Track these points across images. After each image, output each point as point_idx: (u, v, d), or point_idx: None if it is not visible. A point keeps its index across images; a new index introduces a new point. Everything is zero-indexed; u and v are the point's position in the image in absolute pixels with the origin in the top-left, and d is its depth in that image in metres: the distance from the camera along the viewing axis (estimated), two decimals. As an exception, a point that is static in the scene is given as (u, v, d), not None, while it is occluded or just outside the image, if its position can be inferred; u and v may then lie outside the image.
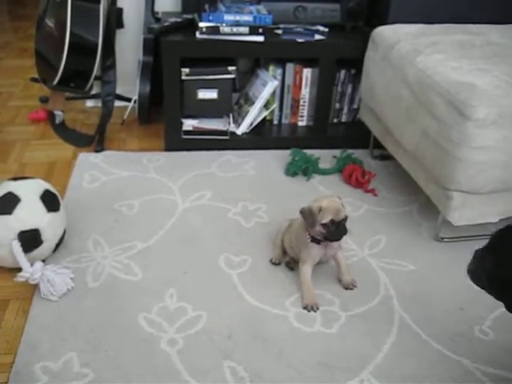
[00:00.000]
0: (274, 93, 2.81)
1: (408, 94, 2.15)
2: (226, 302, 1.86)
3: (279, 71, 2.81)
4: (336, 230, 1.80)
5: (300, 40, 2.64)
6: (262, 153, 2.77)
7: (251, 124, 2.81)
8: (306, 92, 2.85)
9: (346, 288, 1.93)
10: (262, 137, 2.84)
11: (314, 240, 1.87)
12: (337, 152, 2.71)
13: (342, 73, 2.85)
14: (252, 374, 1.61)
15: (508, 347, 1.75)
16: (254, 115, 2.78)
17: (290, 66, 2.81)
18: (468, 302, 1.91)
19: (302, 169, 2.56)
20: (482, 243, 2.19)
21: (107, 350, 1.66)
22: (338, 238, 1.84)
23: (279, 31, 2.71)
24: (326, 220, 1.78)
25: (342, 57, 2.71)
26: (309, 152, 2.66)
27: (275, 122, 2.94)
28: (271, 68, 2.81)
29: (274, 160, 2.71)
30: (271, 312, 1.82)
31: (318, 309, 1.83)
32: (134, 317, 1.79)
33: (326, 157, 2.70)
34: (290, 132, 2.89)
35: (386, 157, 2.64)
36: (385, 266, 2.05)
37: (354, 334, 1.76)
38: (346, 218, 1.81)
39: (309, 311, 1.82)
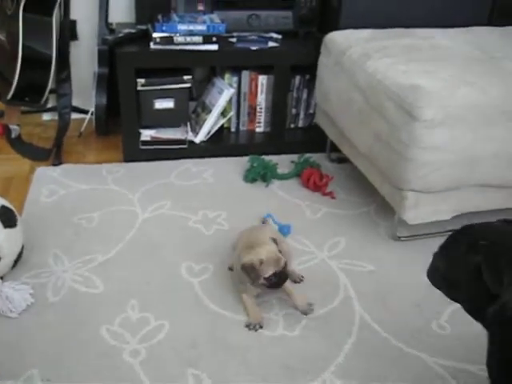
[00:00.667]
0: (230, 100, 2.83)
1: (360, 98, 2.20)
2: (188, 310, 1.87)
3: (235, 79, 2.84)
4: (278, 280, 1.79)
5: (254, 48, 2.67)
6: (220, 160, 2.79)
7: (209, 132, 2.83)
8: (262, 99, 2.88)
9: (306, 314, 1.86)
10: (220, 144, 2.86)
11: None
12: (295, 157, 2.74)
13: (297, 79, 2.89)
14: (216, 381, 1.62)
15: (465, 340, 1.80)
16: (211, 123, 2.80)
17: (245, 74, 2.84)
18: (425, 298, 1.96)
19: (260, 175, 2.59)
20: (437, 240, 2.26)
21: (69, 365, 1.65)
22: (280, 287, 1.82)
23: (233, 39, 2.74)
24: (268, 273, 1.76)
25: (295, 63, 2.75)
26: (267, 158, 2.69)
27: (233, 129, 2.96)
28: (227, 76, 2.83)
29: (233, 167, 2.73)
30: (234, 318, 1.84)
31: (261, 327, 1.79)
32: (96, 329, 1.78)
33: (284, 162, 2.74)
34: (247, 139, 2.92)
35: (343, 160, 2.68)
36: (344, 267, 2.09)
37: (315, 336, 1.79)
38: (285, 266, 1.80)
39: (250, 329, 1.79)
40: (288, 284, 1.87)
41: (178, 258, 2.10)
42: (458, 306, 1.88)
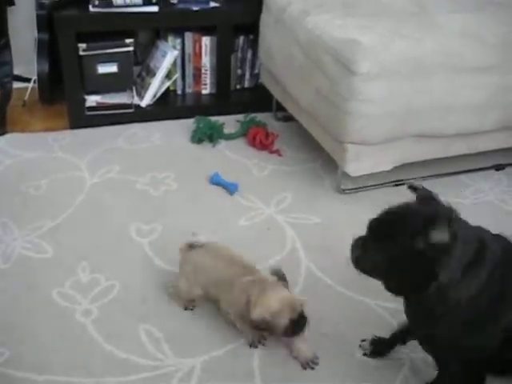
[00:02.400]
0: (174, 63, 2.82)
1: (300, 54, 2.23)
2: (138, 269, 1.90)
3: (178, 41, 2.82)
4: (298, 326, 1.53)
5: (195, 8, 2.66)
6: (167, 123, 2.79)
7: (155, 95, 2.82)
8: (206, 60, 2.88)
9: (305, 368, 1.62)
10: (166, 107, 2.86)
11: None
12: (241, 117, 2.77)
13: (241, 39, 2.90)
14: (167, 334, 1.67)
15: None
16: (156, 86, 2.80)
17: (188, 35, 2.83)
18: (368, 246, 2.04)
19: (207, 135, 2.61)
20: (380, 192, 2.35)
21: (21, 329, 1.67)
22: (302, 331, 1.57)
23: (174, 0, 2.71)
24: (284, 323, 1.51)
25: (238, 23, 2.75)
26: (214, 119, 2.71)
27: (179, 91, 2.96)
28: (170, 38, 2.81)
29: (180, 129, 2.74)
30: (183, 274, 1.88)
31: (265, 339, 1.66)
32: (48, 293, 1.80)
33: (230, 122, 2.75)
34: (194, 100, 2.93)
35: (289, 118, 2.71)
36: (291, 221, 2.14)
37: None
38: (302, 308, 1.55)
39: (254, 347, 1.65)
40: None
41: (127, 220, 2.12)
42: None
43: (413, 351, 1.65)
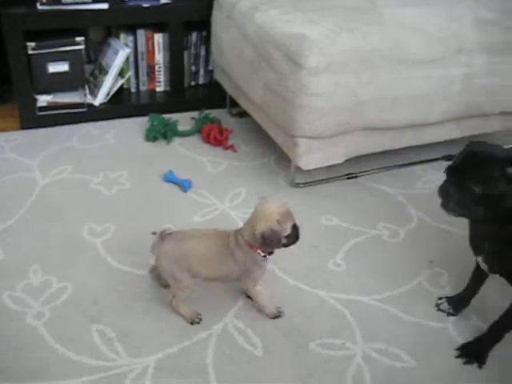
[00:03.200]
0: (127, 60, 2.80)
1: (250, 50, 2.24)
2: (90, 269, 1.89)
3: (130, 38, 2.80)
4: (297, 233, 1.63)
5: (146, 5, 2.64)
6: (122, 121, 2.77)
7: (108, 94, 2.79)
8: (160, 57, 2.87)
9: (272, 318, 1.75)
10: (120, 106, 2.84)
11: (270, 253, 1.67)
12: (195, 114, 2.76)
13: (194, 35, 2.89)
14: (120, 334, 1.66)
15: (358, 274, 1.92)
16: (109, 85, 2.77)
17: (140, 33, 2.81)
18: (322, 239, 2.06)
19: (161, 133, 2.60)
20: (333, 185, 2.38)
21: (-30, 333, 1.65)
22: (298, 240, 1.65)
23: (125, -3, 2.69)
24: (289, 230, 1.59)
25: (190, 19, 2.75)
26: (168, 116, 2.70)
27: (133, 89, 2.94)
28: (122, 36, 2.79)
29: (135, 127, 2.72)
30: (136, 273, 1.87)
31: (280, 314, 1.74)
32: (-2, 297, 1.77)
33: (184, 119, 2.75)
34: (148, 98, 2.91)
35: (244, 114, 2.72)
36: (244, 216, 2.14)
37: (217, 284, 1.84)
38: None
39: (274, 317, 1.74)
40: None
41: (80, 221, 2.10)
42: (352, 244, 2.03)
43: (366, 341, 1.67)
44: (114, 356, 1.60)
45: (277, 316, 1.74)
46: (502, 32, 2.25)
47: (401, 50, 2.07)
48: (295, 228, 1.61)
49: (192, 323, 1.71)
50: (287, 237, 1.59)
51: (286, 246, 1.63)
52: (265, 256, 1.65)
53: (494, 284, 1.74)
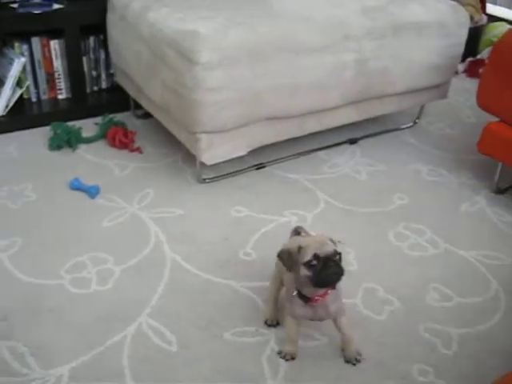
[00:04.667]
0: (24, 70, 2.73)
1: (145, 50, 2.23)
2: (-3, 285, 1.84)
3: (25, 47, 2.73)
4: (324, 268, 1.42)
5: (37, 11, 2.58)
6: (24, 133, 2.70)
7: (7, 105, 2.71)
8: (58, 64, 2.81)
9: (348, 362, 1.62)
10: (22, 117, 2.76)
11: (301, 296, 1.53)
12: (100, 119, 2.72)
13: (91, 40, 2.85)
14: (32, 348, 1.63)
15: (266, 262, 1.95)
16: (7, 96, 2.69)
17: (35, 40, 2.74)
18: (232, 231, 2.09)
19: (65, 141, 2.55)
20: (241, 178, 2.42)
21: None
22: (331, 279, 1.46)
23: (14, 5, 2.62)
24: (308, 257, 1.43)
25: (85, 23, 2.71)
26: (72, 123, 2.65)
27: (34, 99, 2.86)
28: (16, 45, 2.72)
29: (38, 137, 2.65)
30: (46, 284, 1.84)
31: (293, 358, 1.62)
32: None
33: (88, 125, 2.71)
34: (50, 107, 2.84)
35: (149, 115, 2.70)
36: (154, 216, 2.15)
37: (129, 285, 1.85)
38: (336, 254, 1.45)
39: (281, 358, 1.62)
40: (344, 322, 1.58)
41: (-16, 237, 2.04)
42: (260, 234, 2.07)
43: (278, 328, 1.71)
44: (27, 371, 1.57)
45: (280, 354, 1.63)
46: (388, 17, 2.34)
47: (291, 39, 2.12)
48: (320, 259, 1.42)
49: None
50: (309, 266, 1.43)
51: (315, 282, 1.45)
52: (298, 296, 1.53)
53: None
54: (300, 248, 1.45)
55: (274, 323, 1.72)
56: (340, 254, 1.46)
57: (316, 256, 1.42)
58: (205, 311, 1.77)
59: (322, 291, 1.51)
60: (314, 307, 1.53)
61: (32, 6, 2.63)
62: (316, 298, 1.51)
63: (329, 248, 1.44)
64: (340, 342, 1.63)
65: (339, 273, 1.45)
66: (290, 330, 1.61)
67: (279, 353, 1.63)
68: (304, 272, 1.44)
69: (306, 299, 1.52)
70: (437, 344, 1.70)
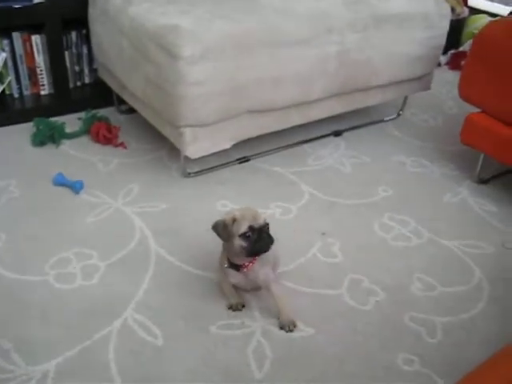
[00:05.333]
0: (5, 65, 2.70)
1: (127, 44, 2.22)
2: (-19, 282, 1.83)
3: (6, 42, 2.70)
4: (258, 239, 1.56)
5: (17, 6, 2.56)
6: (6, 129, 2.67)
7: (-12, 102, 2.70)
8: (40, 59, 2.79)
9: (282, 328, 1.69)
10: (4, 113, 2.73)
11: (232, 265, 1.67)
12: (83, 114, 2.71)
13: (73, 34, 2.83)
14: (17, 344, 1.62)
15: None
16: (-12, 92, 2.67)
17: (16, 35, 2.71)
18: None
19: (48, 137, 2.53)
20: (225, 170, 2.42)
21: None
22: (264, 248, 1.59)
23: (-6, 0, 2.59)
24: (243, 229, 1.55)
25: (66, 17, 2.68)
26: (56, 119, 2.63)
27: (16, 95, 2.83)
28: (-4, 40, 2.70)
29: (21, 134, 2.63)
30: (31, 280, 1.83)
31: (243, 306, 1.74)
32: None
33: (72, 120, 2.69)
34: (33, 102, 2.82)
35: (133, 110, 2.69)
36: (138, 211, 2.15)
37: (114, 280, 1.84)
38: (267, 225, 1.59)
39: (234, 310, 1.74)
40: (275, 289, 1.69)
41: (-33, 234, 2.02)
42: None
43: (264, 318, 1.72)
44: (12, 367, 1.56)
45: (231, 308, 1.75)
46: (370, 8, 2.35)
47: (274, 32, 2.12)
48: (255, 231, 1.55)
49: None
50: (245, 237, 1.56)
51: (250, 252, 1.59)
52: (229, 266, 1.66)
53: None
54: (234, 220, 1.56)
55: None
56: (268, 224, 1.59)
57: (251, 228, 1.55)
58: (190, 304, 1.77)
59: (250, 258, 1.64)
60: (245, 274, 1.66)
61: (12, 1, 2.59)
62: (246, 264, 1.64)
63: (261, 220, 1.57)
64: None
65: (270, 242, 1.59)
66: (225, 287, 1.73)
67: (229, 307, 1.73)
68: (239, 243, 1.57)
69: (237, 267, 1.65)
70: (421, 333, 1.71)
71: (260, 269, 1.66)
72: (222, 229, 1.58)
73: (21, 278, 1.84)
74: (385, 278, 1.92)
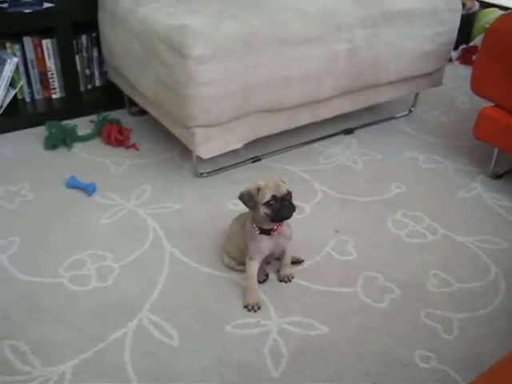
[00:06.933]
0: (17, 70, 2.72)
1: (137, 46, 2.23)
2: (-3, 285, 1.84)
3: (17, 47, 2.72)
4: (281, 207, 1.66)
5: (27, 11, 2.57)
6: (19, 133, 2.69)
7: (1, 106, 2.71)
8: (51, 64, 2.80)
9: (281, 280, 1.85)
10: (17, 117, 2.75)
11: (263, 231, 1.74)
12: (94, 117, 2.72)
13: (84, 38, 2.84)
14: (33, 346, 1.63)
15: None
16: (0, 97, 2.68)
17: (27, 40, 2.73)
18: (229, 224, 2.09)
19: (60, 140, 2.55)
20: (237, 170, 2.42)
21: None
22: (287, 215, 1.69)
23: (4, 5, 2.61)
24: (267, 198, 1.64)
25: (76, 21, 2.70)
26: (66, 122, 2.65)
27: (28, 99, 2.85)
28: (8, 45, 2.71)
29: (33, 138, 2.65)
30: (46, 282, 1.84)
31: (259, 308, 1.75)
32: None
33: (84, 123, 2.71)
34: (44, 107, 2.84)
35: (144, 111, 2.70)
36: (152, 212, 2.15)
37: (129, 281, 1.84)
38: (289, 194, 1.68)
39: (249, 311, 1.74)
40: (289, 245, 1.82)
41: (-18, 238, 2.04)
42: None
43: (280, 316, 1.72)
44: (29, 369, 1.57)
45: (247, 307, 1.75)
46: (379, 5, 2.34)
47: (283, 31, 2.12)
48: (277, 199, 1.65)
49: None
50: (268, 206, 1.65)
51: (273, 218, 1.68)
52: (260, 232, 1.73)
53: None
54: (259, 189, 1.66)
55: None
56: (291, 192, 1.69)
57: (274, 197, 1.65)
58: (205, 304, 1.77)
59: (276, 224, 1.73)
60: (275, 238, 1.74)
61: (22, 6, 2.62)
62: (275, 227, 1.73)
63: (283, 189, 1.67)
64: (278, 265, 1.87)
65: (293, 210, 1.68)
66: (252, 274, 1.76)
67: (246, 306, 1.75)
68: (264, 210, 1.66)
69: (267, 232, 1.73)
70: (438, 329, 1.70)
71: (287, 229, 1.78)
72: (247, 198, 1.68)
73: (36, 280, 1.85)
74: (400, 274, 1.91)
